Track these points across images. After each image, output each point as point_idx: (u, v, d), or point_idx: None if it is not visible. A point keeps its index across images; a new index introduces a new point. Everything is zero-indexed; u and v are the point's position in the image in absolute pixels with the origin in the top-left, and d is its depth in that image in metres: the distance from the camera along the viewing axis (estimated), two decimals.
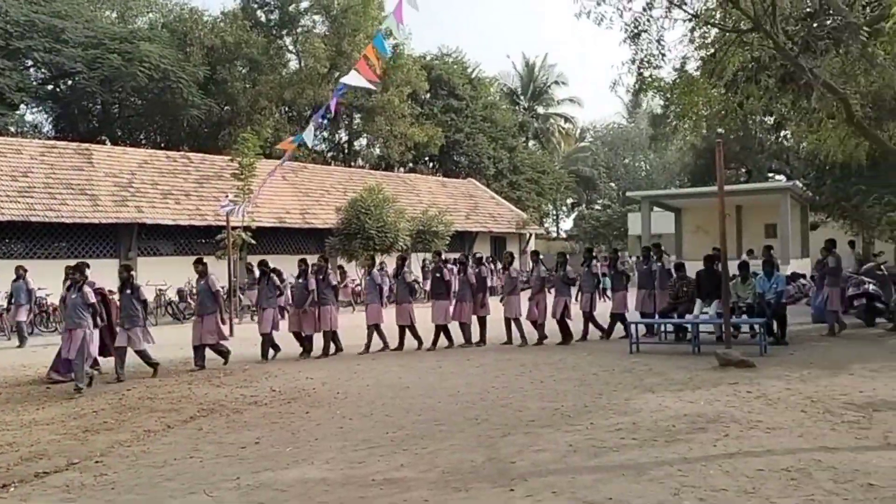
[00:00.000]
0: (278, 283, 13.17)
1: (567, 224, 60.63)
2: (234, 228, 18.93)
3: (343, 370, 11.21)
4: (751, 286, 12.52)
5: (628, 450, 6.11)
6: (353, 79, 11.63)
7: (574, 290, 13.73)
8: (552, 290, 13.64)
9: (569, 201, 60.60)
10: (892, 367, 9.46)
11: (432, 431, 7.05)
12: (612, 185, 62.36)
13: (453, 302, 13.85)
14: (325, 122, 14.19)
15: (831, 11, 9.17)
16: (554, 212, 60.44)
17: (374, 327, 13.30)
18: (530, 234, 39.39)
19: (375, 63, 11.61)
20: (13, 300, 16.52)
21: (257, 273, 13.53)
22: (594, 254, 14.88)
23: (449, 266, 14.67)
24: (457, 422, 7.39)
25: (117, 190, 23.88)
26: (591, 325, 13.64)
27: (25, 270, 16.69)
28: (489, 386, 9.29)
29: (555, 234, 56.59)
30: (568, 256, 14.41)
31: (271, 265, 13.53)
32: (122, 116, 38.22)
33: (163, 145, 36.33)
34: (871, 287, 14.18)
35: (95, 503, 5.44)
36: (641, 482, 5.26)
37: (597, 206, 54.46)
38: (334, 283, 13.74)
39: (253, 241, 20.24)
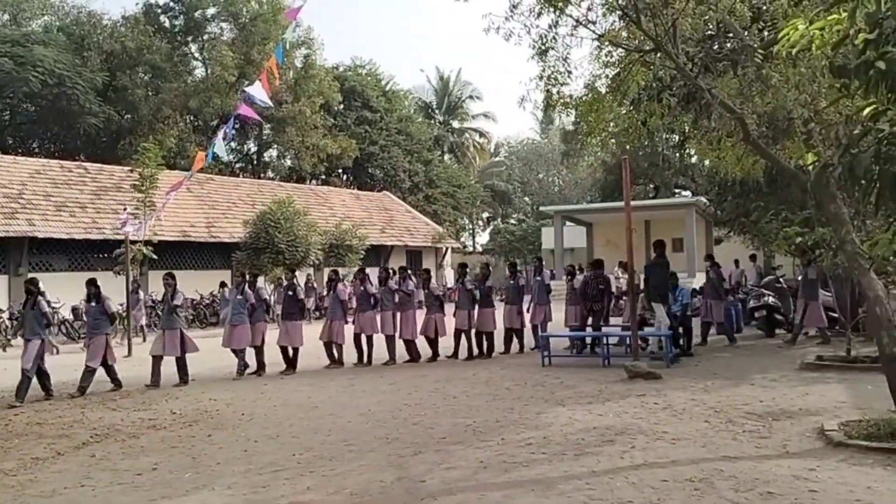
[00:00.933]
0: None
1: (483, 238, 61.19)
2: (134, 243, 18.09)
3: (250, 390, 10.82)
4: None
5: (538, 464, 6.10)
6: (257, 90, 11.41)
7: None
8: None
9: (484, 215, 61.22)
10: (790, 377, 9.87)
11: (341, 452, 6.86)
12: (527, 199, 63.39)
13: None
14: (233, 132, 13.73)
15: (729, 34, 9.54)
16: (470, 226, 60.89)
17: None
18: (446, 248, 39.54)
19: (276, 76, 11.49)
20: None
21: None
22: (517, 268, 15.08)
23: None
24: (367, 441, 7.23)
25: (6, 202, 22.47)
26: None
27: None
28: (401, 403, 9.14)
29: (471, 248, 57.00)
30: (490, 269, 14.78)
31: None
32: (13, 123, 36.24)
33: (57, 155, 34.51)
34: (771, 299, 14.86)
35: None
36: (550, 497, 5.26)
37: (512, 221, 55.15)
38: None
39: (154, 256, 19.39)
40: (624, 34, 9.90)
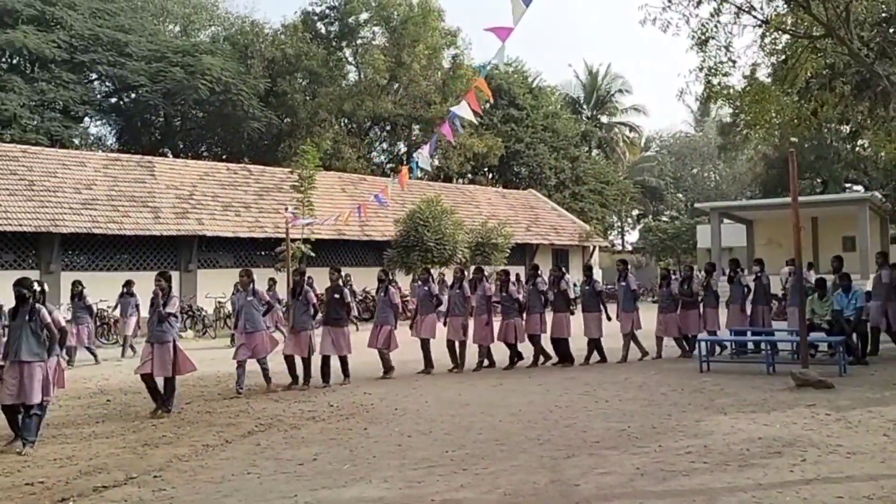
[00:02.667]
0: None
1: (633, 236, 59.56)
2: (293, 241, 19.14)
3: (402, 386, 11.11)
4: (829, 303, 11.96)
5: (699, 474, 5.84)
6: (462, 110, 11.30)
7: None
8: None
9: (634, 213, 59.50)
10: None
11: (493, 451, 6.88)
12: (680, 196, 61.04)
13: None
14: (435, 147, 13.84)
15: None
16: (619, 224, 59.45)
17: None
18: (594, 247, 38.79)
19: (487, 93, 11.42)
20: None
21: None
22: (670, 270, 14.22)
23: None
24: (518, 441, 7.21)
25: (178, 202, 24.43)
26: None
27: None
28: (552, 405, 9.06)
29: (620, 247, 55.64)
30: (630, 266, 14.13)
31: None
32: (183, 129, 39.29)
33: (223, 157, 37.23)
34: None
35: None
36: None
37: (664, 218, 53.37)
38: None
39: (312, 254, 20.41)
40: (790, 20, 9.29)
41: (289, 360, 11.20)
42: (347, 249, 27.66)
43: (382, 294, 12.35)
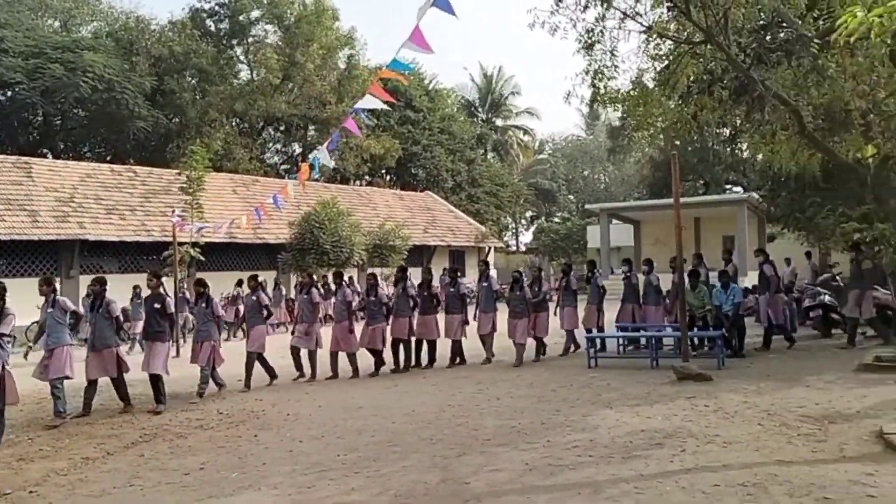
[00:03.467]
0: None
1: (527, 237, 60.89)
2: (181, 244, 18.37)
3: (294, 391, 10.86)
4: (701, 293, 12.49)
5: (585, 467, 5.96)
6: (367, 102, 11.00)
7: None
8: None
9: (528, 214, 60.89)
10: (847, 379, 9.51)
11: (385, 453, 6.82)
12: (571, 197, 62.83)
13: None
14: (336, 144, 13.29)
15: (783, 24, 9.26)
16: (513, 225, 60.64)
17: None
18: (489, 248, 39.40)
19: (400, 77, 11.17)
20: None
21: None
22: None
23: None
24: (411, 442, 7.17)
25: (58, 205, 23.08)
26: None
27: None
28: (445, 405, 9.06)
29: (514, 248, 56.73)
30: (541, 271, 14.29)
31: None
32: (64, 128, 37.17)
33: (108, 158, 35.42)
34: (827, 298, 14.35)
35: None
36: (598, 501, 5.14)
37: (556, 219, 54.75)
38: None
39: (202, 258, 19.70)
40: (672, 26, 9.69)
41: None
42: (239, 253, 26.89)
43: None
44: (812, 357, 11.83)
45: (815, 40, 8.15)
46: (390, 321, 12.29)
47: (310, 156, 13.28)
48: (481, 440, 7.08)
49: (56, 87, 31.37)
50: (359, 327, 12.40)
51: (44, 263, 21.96)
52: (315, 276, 13.10)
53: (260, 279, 12.22)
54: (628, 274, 13.90)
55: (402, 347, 12.35)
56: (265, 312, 11.82)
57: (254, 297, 11.83)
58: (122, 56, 35.19)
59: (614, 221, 35.59)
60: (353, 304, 12.33)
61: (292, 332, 12.67)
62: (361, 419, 8.50)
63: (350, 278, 22.57)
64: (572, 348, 13.43)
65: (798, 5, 8.52)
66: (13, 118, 34.45)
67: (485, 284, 13.15)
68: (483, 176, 47.76)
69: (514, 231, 61.95)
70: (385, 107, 11.27)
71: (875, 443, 6.32)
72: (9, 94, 33.45)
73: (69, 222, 22.57)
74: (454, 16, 7.94)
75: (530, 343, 12.81)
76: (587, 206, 40.65)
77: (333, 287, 13.31)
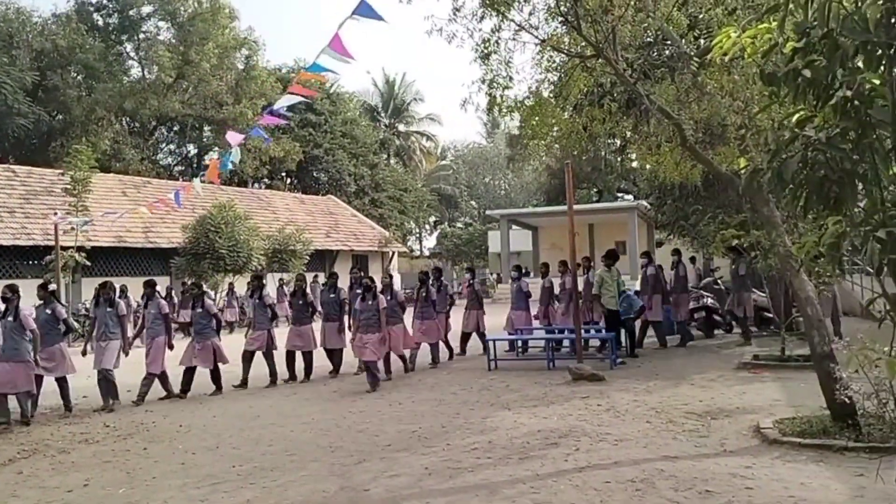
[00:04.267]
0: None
1: (431, 242, 61.25)
2: (65, 249, 17.42)
3: (187, 402, 10.48)
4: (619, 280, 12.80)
5: (483, 469, 6.09)
6: (285, 100, 10.64)
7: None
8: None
9: (431, 219, 61.22)
10: (728, 377, 10.10)
11: (283, 462, 6.72)
12: (473, 203, 63.69)
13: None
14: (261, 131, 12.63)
15: (667, 41, 9.75)
16: (417, 230, 60.84)
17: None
18: (393, 253, 39.37)
19: (313, 82, 10.87)
20: None
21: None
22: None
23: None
24: (309, 451, 7.10)
25: None
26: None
27: None
28: (345, 411, 9.02)
29: (418, 253, 56.91)
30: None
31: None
32: None
33: None
34: (710, 300, 15.21)
35: None
36: (494, 501, 5.27)
37: (459, 225, 55.38)
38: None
39: (87, 263, 18.76)
40: (566, 40, 10.01)
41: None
42: (129, 258, 25.68)
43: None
44: (696, 357, 12.49)
45: (696, 58, 8.64)
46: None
47: (217, 153, 12.78)
48: (381, 446, 7.09)
49: None
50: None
51: None
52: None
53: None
54: (543, 278, 14.28)
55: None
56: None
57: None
58: (0, 49, 33.09)
59: (514, 227, 36.37)
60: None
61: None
62: (258, 428, 8.33)
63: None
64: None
65: (680, 25, 9.01)
66: None
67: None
68: (386, 181, 47.72)
69: (417, 236, 62.18)
70: (304, 99, 11.25)
71: (753, 437, 6.76)
72: None
73: None
74: (383, 21, 7.96)
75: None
76: (488, 212, 41.38)
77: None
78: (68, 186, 19.31)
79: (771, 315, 13.58)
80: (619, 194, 42.31)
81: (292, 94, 10.60)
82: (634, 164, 36.02)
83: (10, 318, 9.14)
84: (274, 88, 40.10)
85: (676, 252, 14.87)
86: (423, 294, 12.73)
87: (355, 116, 50.50)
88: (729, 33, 4.05)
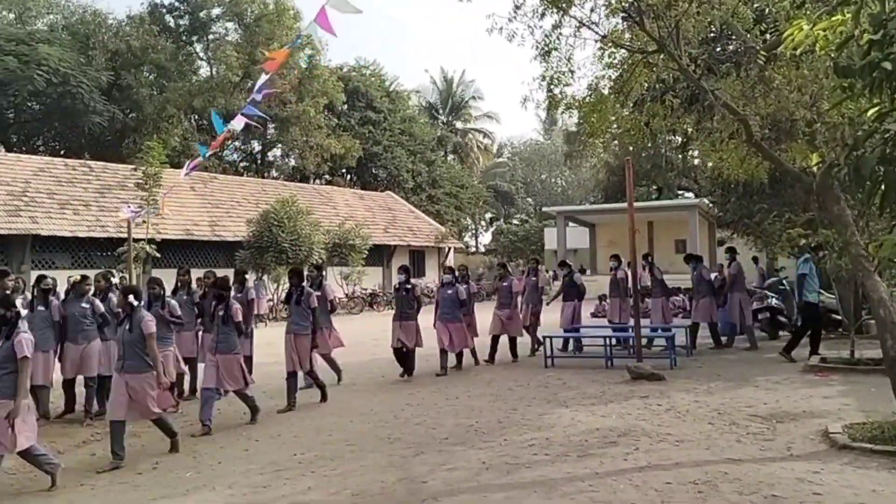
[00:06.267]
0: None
1: (486, 238, 61.23)
2: (137, 241, 18.05)
3: (251, 390, 10.72)
4: None
5: (541, 466, 6.08)
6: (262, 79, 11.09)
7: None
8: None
9: (487, 216, 61.23)
10: (794, 380, 9.84)
11: (342, 452, 6.85)
12: (530, 200, 63.39)
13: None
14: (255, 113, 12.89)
15: (732, 36, 9.55)
16: (473, 226, 60.89)
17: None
18: (449, 249, 39.55)
19: (281, 59, 11.12)
20: None
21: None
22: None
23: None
24: (368, 441, 7.22)
25: (10, 199, 22.45)
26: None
27: None
28: (403, 403, 9.13)
29: (473, 249, 56.97)
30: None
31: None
32: (17, 121, 36.16)
33: (62, 153, 34.53)
34: (774, 301, 14.83)
35: None
36: (553, 498, 5.24)
37: (514, 221, 55.13)
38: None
39: (157, 255, 19.40)
40: (627, 36, 9.89)
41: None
42: (196, 250, 26.51)
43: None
44: (759, 358, 12.19)
45: (762, 53, 8.42)
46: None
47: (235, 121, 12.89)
48: (439, 439, 7.15)
49: (10, 79, 30.52)
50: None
51: None
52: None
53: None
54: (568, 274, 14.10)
55: None
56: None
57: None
58: (78, 50, 34.37)
59: (571, 224, 36.07)
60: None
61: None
62: (319, 418, 8.51)
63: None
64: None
65: (746, 18, 8.78)
66: None
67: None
68: (443, 177, 47.90)
69: (473, 232, 62.23)
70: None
71: (821, 441, 6.56)
72: None
73: (21, 217, 22.00)
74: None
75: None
76: (545, 209, 41.10)
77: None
78: (140, 181, 20.01)
79: (840, 317, 13.16)
80: (680, 192, 41.54)
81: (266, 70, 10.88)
82: (696, 162, 35.39)
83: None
84: (335, 87, 40.68)
85: (731, 250, 14.46)
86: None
87: (414, 114, 50.89)
88: (801, 26, 3.97)
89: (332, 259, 26.72)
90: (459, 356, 11.92)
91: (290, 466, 6.44)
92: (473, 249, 56.45)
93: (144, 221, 19.01)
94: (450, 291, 11.65)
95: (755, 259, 19.41)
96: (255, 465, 6.53)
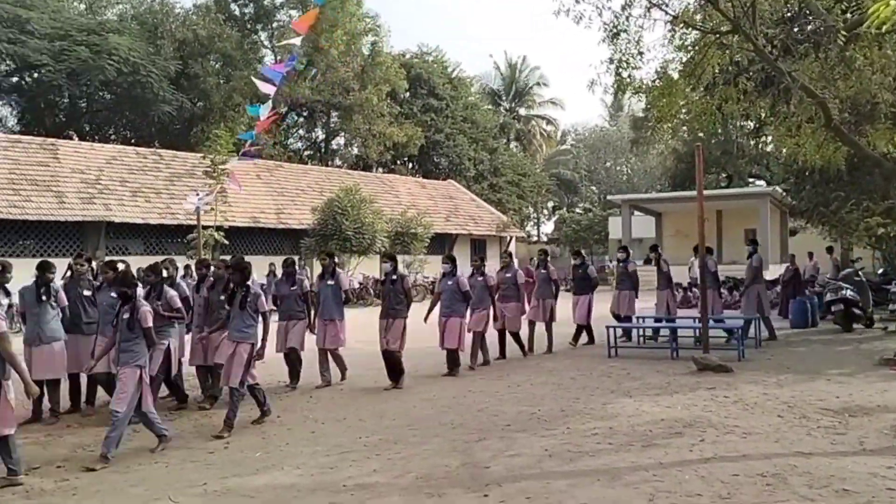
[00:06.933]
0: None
1: (548, 227, 60.76)
2: (206, 228, 18.56)
3: (316, 374, 10.92)
4: None
5: (604, 455, 6.02)
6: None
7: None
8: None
9: (549, 204, 60.69)
10: (868, 373, 9.48)
11: (406, 436, 6.92)
12: (593, 188, 62.59)
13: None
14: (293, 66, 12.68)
15: (811, 15, 9.19)
16: (535, 215, 60.48)
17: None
18: (511, 237, 39.40)
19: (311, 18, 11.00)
20: None
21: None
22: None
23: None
24: (431, 426, 7.27)
25: (84, 187, 23.43)
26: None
27: None
28: (465, 390, 9.15)
29: (535, 238, 56.62)
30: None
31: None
32: (90, 111, 37.53)
33: (132, 141, 35.73)
34: (849, 293, 14.27)
35: None
36: (616, 487, 5.18)
37: (577, 210, 54.54)
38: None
39: (226, 241, 19.91)
40: (699, 16, 9.63)
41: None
42: (263, 237, 27.15)
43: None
44: (832, 351, 11.79)
45: (843, 32, 8.07)
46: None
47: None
48: (501, 426, 7.15)
49: (82, 69, 31.60)
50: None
51: (70, 244, 22.34)
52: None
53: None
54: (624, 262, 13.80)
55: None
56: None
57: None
58: (146, 39, 35.41)
59: (636, 213, 35.46)
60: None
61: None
62: (381, 402, 8.61)
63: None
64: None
65: None
66: (40, 100, 34.87)
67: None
68: (505, 165, 47.66)
69: (535, 221, 61.81)
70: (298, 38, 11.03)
71: (895, 437, 6.31)
72: (35, 76, 33.85)
73: (95, 204, 22.91)
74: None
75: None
76: (609, 197, 40.51)
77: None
78: (208, 169, 20.54)
79: None
80: (751, 180, 40.38)
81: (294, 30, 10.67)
82: (769, 148, 34.31)
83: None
84: (398, 74, 40.83)
85: (753, 242, 13.96)
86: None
87: (476, 101, 50.68)
88: (888, 1, 3.78)
89: (395, 247, 26.96)
90: (452, 355, 10.45)
91: (355, 449, 6.54)
92: (535, 238, 56.08)
93: (212, 208, 19.49)
94: (450, 283, 10.39)
95: (829, 249, 18.73)
96: (321, 447, 6.65)
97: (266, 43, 42.29)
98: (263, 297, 7.85)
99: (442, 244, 33.32)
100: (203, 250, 18.23)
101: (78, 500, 5.43)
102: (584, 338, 13.19)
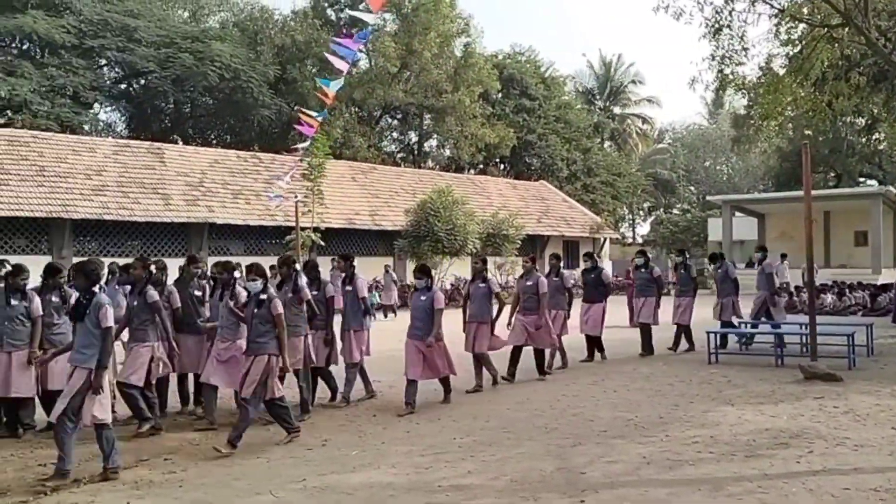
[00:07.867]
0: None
1: (643, 229, 59.37)
2: (303, 229, 19.11)
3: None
4: None
5: (705, 464, 5.85)
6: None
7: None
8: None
9: (645, 205, 59.28)
10: None
11: (500, 438, 6.92)
12: (692, 188, 60.81)
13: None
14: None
15: None
16: (630, 216, 59.23)
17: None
18: (604, 239, 38.73)
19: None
20: None
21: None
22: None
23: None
24: (525, 429, 7.24)
25: (188, 189, 24.52)
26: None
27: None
28: (559, 394, 9.07)
29: (630, 240, 55.45)
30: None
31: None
32: (193, 116, 39.26)
33: (233, 145, 37.20)
34: None
35: (163, 500, 5.51)
36: (718, 498, 5.03)
37: (675, 211, 53.13)
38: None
39: (322, 243, 20.43)
40: (806, 9, 9.21)
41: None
42: (358, 238, 27.71)
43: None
44: None
45: None
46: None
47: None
48: (597, 431, 7.05)
49: (186, 75, 33.07)
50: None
51: (175, 245, 23.49)
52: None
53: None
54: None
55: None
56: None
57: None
58: (247, 45, 36.70)
59: (737, 214, 34.23)
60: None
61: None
62: (475, 404, 8.64)
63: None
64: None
65: None
66: (146, 105, 36.81)
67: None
68: (599, 165, 46.84)
69: (630, 222, 60.55)
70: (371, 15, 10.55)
71: None
72: (142, 82, 35.76)
73: (198, 206, 23.96)
74: None
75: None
76: (709, 198, 39.28)
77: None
78: (306, 172, 21.14)
79: None
80: (862, 179, 38.29)
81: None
82: (882, 146, 32.42)
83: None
84: (490, 75, 40.82)
85: (762, 249, 13.10)
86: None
87: (570, 100, 50.07)
88: None
89: (486, 249, 26.98)
90: (480, 361, 9.82)
91: (449, 450, 6.58)
92: (630, 240, 54.91)
93: (309, 210, 20.01)
94: (482, 285, 9.77)
95: None
96: (416, 447, 6.74)
97: (361, 47, 43.19)
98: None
99: (534, 246, 33.10)
100: (301, 251, 18.79)
101: (184, 492, 5.66)
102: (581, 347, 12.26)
